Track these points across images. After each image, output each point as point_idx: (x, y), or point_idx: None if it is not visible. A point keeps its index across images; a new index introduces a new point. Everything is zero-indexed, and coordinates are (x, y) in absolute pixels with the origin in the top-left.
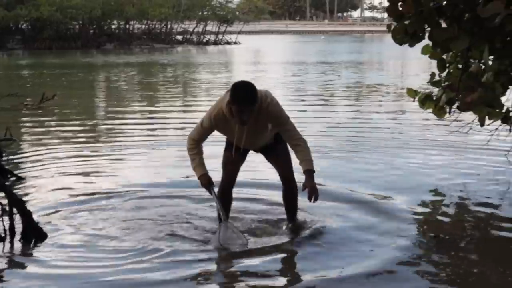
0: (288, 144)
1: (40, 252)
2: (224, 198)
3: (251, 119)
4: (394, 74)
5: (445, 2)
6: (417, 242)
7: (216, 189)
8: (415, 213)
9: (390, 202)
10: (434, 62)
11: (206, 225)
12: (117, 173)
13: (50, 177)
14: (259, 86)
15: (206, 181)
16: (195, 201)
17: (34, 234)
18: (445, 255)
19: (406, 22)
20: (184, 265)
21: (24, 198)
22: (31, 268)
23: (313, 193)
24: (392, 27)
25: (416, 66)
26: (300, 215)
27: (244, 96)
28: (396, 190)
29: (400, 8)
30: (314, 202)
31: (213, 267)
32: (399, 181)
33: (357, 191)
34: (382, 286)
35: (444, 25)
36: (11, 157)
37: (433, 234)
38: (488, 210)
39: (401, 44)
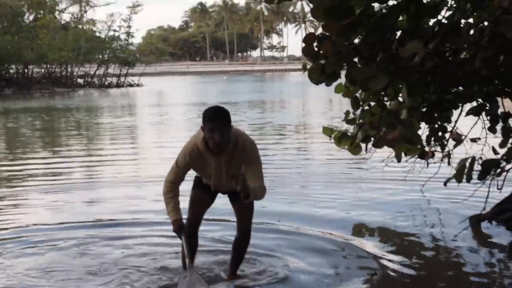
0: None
1: None
2: (190, 239)
3: (226, 155)
4: (297, 112)
5: (359, 42)
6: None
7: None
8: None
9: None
10: (334, 100)
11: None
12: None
13: None
14: (172, 127)
15: (178, 227)
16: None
17: None
18: None
19: (322, 62)
20: None
21: None
22: None
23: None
24: (308, 67)
25: (318, 104)
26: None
27: (217, 112)
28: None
29: (316, 49)
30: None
31: None
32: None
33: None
34: None
35: (360, 64)
36: None
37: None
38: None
39: (317, 84)
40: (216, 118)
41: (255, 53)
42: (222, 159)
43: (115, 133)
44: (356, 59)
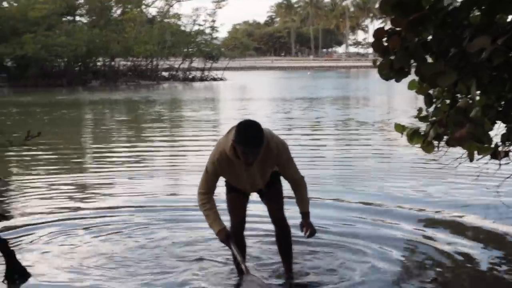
0: (288, 182)
1: None
2: (238, 244)
3: (257, 161)
4: (381, 109)
5: (430, 38)
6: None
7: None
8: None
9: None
10: (421, 97)
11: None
12: (104, 204)
13: (35, 214)
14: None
15: (224, 237)
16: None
17: (17, 274)
18: None
19: (392, 57)
20: None
21: (9, 237)
22: None
23: (310, 228)
24: (378, 62)
25: (403, 101)
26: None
27: (250, 137)
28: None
29: (386, 44)
30: (309, 237)
31: None
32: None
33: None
34: None
35: (430, 60)
36: None
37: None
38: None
39: (387, 79)
40: (250, 144)
41: (340, 49)
42: (254, 166)
43: (196, 125)
44: (427, 55)
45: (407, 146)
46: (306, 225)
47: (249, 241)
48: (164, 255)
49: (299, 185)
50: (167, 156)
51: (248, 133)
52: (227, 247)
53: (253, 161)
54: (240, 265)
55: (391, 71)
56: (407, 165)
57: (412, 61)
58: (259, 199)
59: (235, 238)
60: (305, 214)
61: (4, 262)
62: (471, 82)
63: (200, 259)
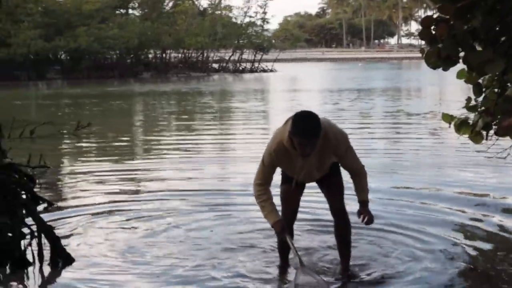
0: (348, 172)
1: (67, 277)
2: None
3: (314, 152)
4: (432, 100)
5: (478, 25)
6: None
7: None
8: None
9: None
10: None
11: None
12: (156, 197)
13: (82, 199)
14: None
15: (280, 228)
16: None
17: (62, 259)
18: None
19: (439, 45)
20: None
21: (56, 223)
22: None
23: (367, 215)
24: (426, 51)
25: (455, 91)
26: None
27: (307, 128)
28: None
29: (433, 32)
30: (366, 224)
31: None
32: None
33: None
34: None
35: (478, 48)
36: (43, 183)
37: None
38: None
39: (434, 68)
40: (306, 135)
41: (393, 40)
42: (311, 157)
43: (245, 116)
44: (475, 44)
45: (458, 137)
46: (364, 212)
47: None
48: (208, 241)
49: (358, 174)
50: (216, 146)
51: (305, 124)
52: (274, 236)
53: (310, 152)
54: (285, 255)
55: (439, 59)
56: (456, 155)
57: (460, 49)
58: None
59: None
60: (363, 203)
61: (49, 248)
62: None
63: (246, 246)
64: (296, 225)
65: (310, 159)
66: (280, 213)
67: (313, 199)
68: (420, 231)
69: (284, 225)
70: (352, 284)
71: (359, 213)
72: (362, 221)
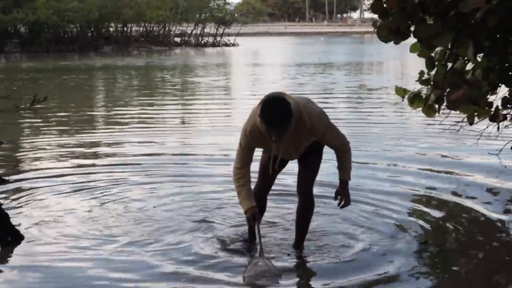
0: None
1: (15, 254)
2: (258, 205)
3: (289, 134)
4: (395, 75)
5: None
6: (406, 249)
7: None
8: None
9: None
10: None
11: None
12: (110, 169)
13: (33, 177)
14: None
15: (251, 215)
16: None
17: (10, 236)
18: (433, 261)
19: (391, 19)
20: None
21: (5, 200)
22: (4, 270)
23: (345, 200)
24: (378, 24)
25: (416, 66)
26: None
27: (273, 116)
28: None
29: (384, 5)
30: (342, 207)
31: None
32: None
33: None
34: None
35: (429, 21)
36: None
37: (422, 241)
38: (476, 211)
39: (386, 42)
40: (272, 123)
41: (355, 15)
42: (287, 139)
43: (207, 90)
44: (425, 17)
45: (411, 111)
46: (343, 194)
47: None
48: (169, 214)
49: (343, 151)
50: (176, 118)
51: (272, 111)
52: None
53: (278, 139)
54: (253, 239)
55: (390, 33)
56: (411, 128)
57: (410, 22)
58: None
59: (258, 198)
60: (343, 182)
61: None
62: (468, 44)
63: (205, 221)
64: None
65: (284, 143)
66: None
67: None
68: (376, 204)
69: (256, 213)
70: (300, 261)
71: (337, 193)
72: (338, 205)
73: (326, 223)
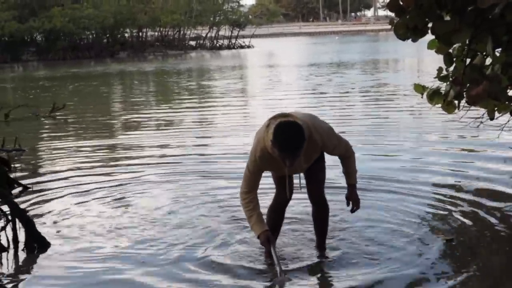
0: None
1: (42, 262)
2: (276, 218)
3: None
4: (410, 72)
5: None
6: (429, 247)
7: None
8: (427, 213)
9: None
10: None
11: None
12: (130, 181)
13: (56, 185)
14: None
15: (265, 239)
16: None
17: (37, 244)
18: (458, 259)
19: (408, 16)
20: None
21: (30, 207)
22: (32, 278)
23: (356, 205)
24: (395, 22)
25: (433, 62)
26: None
27: (287, 143)
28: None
29: (401, 3)
30: (353, 212)
31: None
32: (410, 177)
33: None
34: None
35: (446, 18)
36: (18, 167)
37: (446, 238)
38: (501, 208)
39: (404, 40)
40: (287, 150)
41: (369, 13)
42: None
43: (223, 93)
44: (442, 14)
45: (430, 108)
46: (351, 197)
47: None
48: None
49: (349, 157)
50: (194, 121)
51: (286, 138)
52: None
53: (292, 163)
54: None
55: (407, 30)
56: (431, 125)
57: (427, 19)
58: None
59: (276, 211)
60: (352, 186)
61: (24, 231)
62: (486, 39)
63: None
64: None
65: (296, 163)
66: (266, 223)
67: None
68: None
69: (270, 237)
70: (326, 262)
71: (347, 198)
72: (351, 210)
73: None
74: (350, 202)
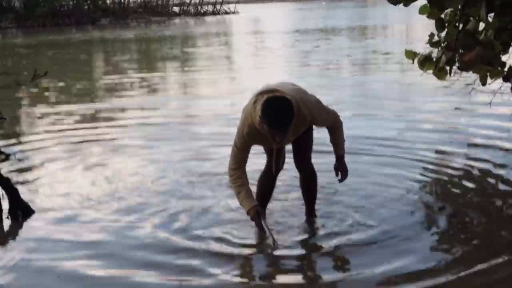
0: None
1: (26, 229)
2: (267, 185)
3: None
4: (401, 39)
5: None
6: (422, 214)
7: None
8: (419, 181)
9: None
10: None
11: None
12: (114, 146)
13: (39, 152)
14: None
15: (255, 213)
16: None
17: (21, 211)
18: (451, 226)
19: None
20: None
21: (14, 174)
22: (16, 245)
23: (344, 175)
24: None
25: (423, 28)
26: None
27: (277, 118)
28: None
29: None
30: (341, 181)
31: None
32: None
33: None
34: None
35: None
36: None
37: (439, 206)
38: (490, 172)
39: (395, 4)
40: (277, 125)
41: None
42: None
43: (209, 59)
44: None
45: (421, 74)
46: (340, 166)
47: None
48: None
49: (337, 128)
50: (178, 86)
51: (275, 113)
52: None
53: (282, 139)
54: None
55: None
56: (422, 91)
57: None
58: None
59: (268, 178)
60: (340, 157)
61: (7, 200)
62: (479, 4)
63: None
64: None
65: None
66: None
67: None
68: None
69: (259, 211)
70: (317, 230)
71: (336, 169)
72: (340, 180)
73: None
74: (339, 172)
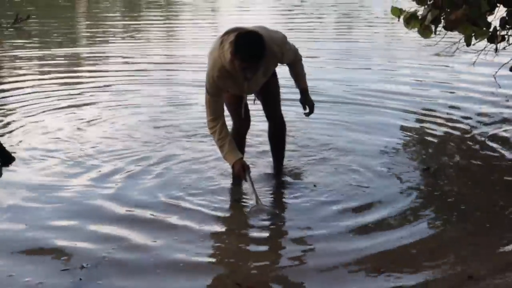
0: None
1: (8, 176)
2: (240, 142)
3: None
4: None
5: None
6: (408, 175)
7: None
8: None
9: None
10: None
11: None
12: (95, 92)
13: (21, 98)
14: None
15: (240, 167)
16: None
17: (1, 158)
18: (435, 186)
19: None
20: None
21: None
22: None
23: (311, 109)
24: None
25: None
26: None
27: (250, 51)
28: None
29: None
30: (308, 115)
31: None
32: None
33: None
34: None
35: None
36: None
37: (424, 167)
38: (474, 133)
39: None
40: (250, 59)
41: None
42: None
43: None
44: None
45: (406, 32)
46: (306, 101)
47: None
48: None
49: (298, 61)
50: (160, 34)
51: (248, 47)
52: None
53: (252, 75)
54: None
55: None
56: (406, 50)
57: None
58: None
59: (236, 140)
60: (305, 90)
61: None
62: None
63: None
64: None
65: (255, 76)
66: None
67: None
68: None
69: (244, 164)
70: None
71: (303, 103)
72: (306, 114)
73: (322, 147)
74: (306, 106)
